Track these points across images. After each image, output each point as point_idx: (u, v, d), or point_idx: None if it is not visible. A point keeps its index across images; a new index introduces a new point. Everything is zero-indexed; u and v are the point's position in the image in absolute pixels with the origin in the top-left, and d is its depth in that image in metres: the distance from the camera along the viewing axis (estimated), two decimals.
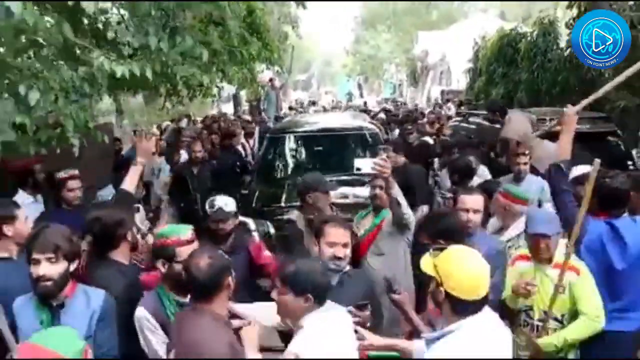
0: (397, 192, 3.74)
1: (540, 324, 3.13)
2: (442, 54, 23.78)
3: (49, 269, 2.51)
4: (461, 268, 2.09)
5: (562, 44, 10.51)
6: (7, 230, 3.23)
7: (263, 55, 8.90)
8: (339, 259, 3.03)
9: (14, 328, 2.63)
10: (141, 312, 2.63)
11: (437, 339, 2.15)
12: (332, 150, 6.58)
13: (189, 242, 2.71)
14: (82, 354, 2.08)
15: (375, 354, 2.87)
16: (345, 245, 3.07)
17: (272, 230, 5.14)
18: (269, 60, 9.76)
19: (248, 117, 13.79)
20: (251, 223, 4.67)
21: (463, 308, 2.09)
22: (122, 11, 3.84)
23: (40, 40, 3.27)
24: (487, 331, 2.11)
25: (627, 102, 7.27)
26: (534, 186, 4.73)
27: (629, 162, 5.90)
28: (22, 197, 4.50)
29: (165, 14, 3.88)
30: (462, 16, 27.29)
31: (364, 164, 3.54)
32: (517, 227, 4.04)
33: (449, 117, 10.77)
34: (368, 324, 2.83)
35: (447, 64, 23.58)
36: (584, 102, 3.61)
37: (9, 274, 3.02)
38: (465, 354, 2.02)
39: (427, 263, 2.25)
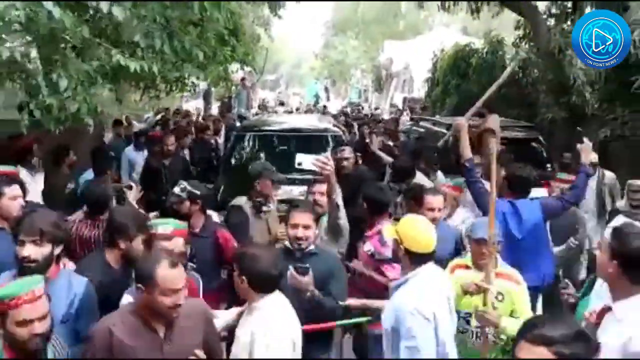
0: (338, 195, 3.78)
1: (479, 330, 3.30)
2: (406, 63, 24.86)
3: (34, 250, 2.62)
4: (415, 229, 2.90)
5: (508, 61, 11.71)
6: None
7: (239, 56, 9.70)
8: (299, 239, 3.29)
9: None
10: (127, 300, 2.77)
11: (402, 284, 2.89)
12: (296, 150, 6.56)
13: (169, 237, 3.00)
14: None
15: (343, 322, 3.34)
16: (306, 227, 3.31)
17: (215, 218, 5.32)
18: (243, 61, 10.49)
19: (214, 115, 14.48)
20: (215, 216, 4.73)
21: (418, 259, 2.85)
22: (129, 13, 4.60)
23: (68, 37, 4.05)
24: (436, 275, 2.95)
25: (554, 114, 8.41)
26: None
27: (547, 165, 7.01)
28: (22, 174, 5.11)
29: (166, 20, 4.70)
30: (426, 29, 28.49)
31: (305, 160, 3.69)
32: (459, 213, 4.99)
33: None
34: (310, 289, 3.12)
35: (410, 72, 24.67)
36: (470, 112, 4.38)
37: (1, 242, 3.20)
38: (424, 290, 2.80)
39: (389, 230, 3.09)
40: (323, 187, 3.94)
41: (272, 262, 2.76)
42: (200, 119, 13.06)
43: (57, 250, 2.73)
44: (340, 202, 3.77)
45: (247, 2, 9.66)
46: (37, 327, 2.22)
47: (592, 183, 5.63)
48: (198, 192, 4.16)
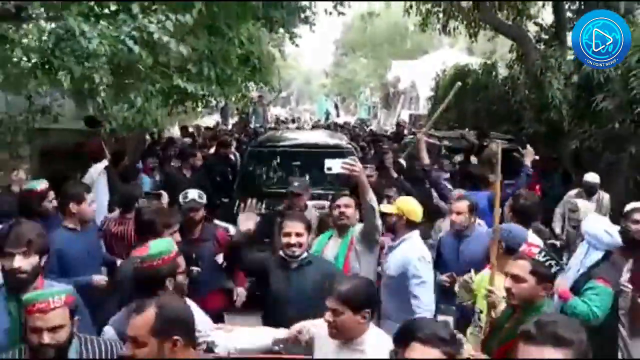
0: (372, 197, 3.65)
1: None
2: (412, 81, 26.14)
3: (23, 262, 2.60)
4: (413, 204, 3.91)
5: (501, 80, 12.93)
6: (73, 207, 3.89)
7: (260, 77, 10.95)
8: (293, 245, 3.35)
9: None
10: (110, 333, 2.64)
11: (400, 243, 3.82)
12: (309, 166, 6.71)
13: (179, 252, 2.86)
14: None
15: None
16: (298, 235, 3.35)
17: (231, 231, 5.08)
18: (265, 82, 11.75)
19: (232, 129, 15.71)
20: (232, 229, 4.68)
21: (413, 226, 3.84)
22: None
23: (140, 66, 5.34)
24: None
25: (535, 129, 9.59)
26: None
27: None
28: (96, 169, 6.35)
29: (210, 51, 5.99)
30: (432, 48, 29.83)
31: (335, 164, 3.47)
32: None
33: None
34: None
35: (416, 90, 25.90)
36: (428, 126, 5.76)
37: (73, 241, 3.71)
38: (422, 244, 3.84)
39: (388, 207, 3.99)
40: (347, 200, 3.92)
41: (368, 286, 2.59)
42: (220, 133, 14.32)
43: (43, 261, 2.73)
44: (375, 204, 3.69)
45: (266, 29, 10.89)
46: (45, 337, 2.21)
47: (592, 206, 6.03)
48: (202, 202, 4.36)
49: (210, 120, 21.16)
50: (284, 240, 3.38)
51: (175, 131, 16.05)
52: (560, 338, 1.67)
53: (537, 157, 6.04)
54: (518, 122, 10.47)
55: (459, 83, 6.13)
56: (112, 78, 5.29)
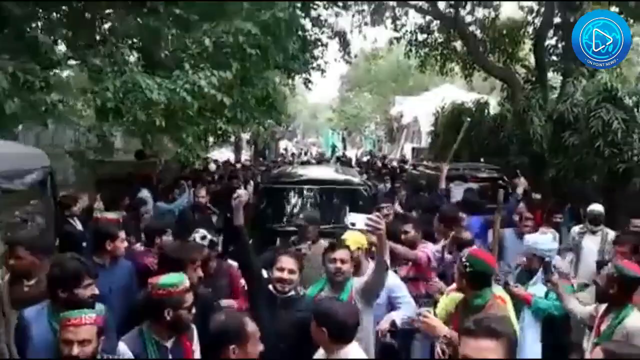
0: (387, 254, 3.59)
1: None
2: (414, 116, 27.53)
3: (95, 290, 2.94)
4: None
5: (492, 118, 14.29)
6: (108, 245, 3.99)
7: (274, 115, 12.40)
8: (284, 280, 3.35)
9: (24, 337, 2.86)
10: (122, 348, 2.82)
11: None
12: (322, 202, 6.77)
13: (188, 290, 2.88)
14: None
15: None
16: (290, 271, 3.36)
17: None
18: (276, 119, 13.22)
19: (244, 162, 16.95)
20: None
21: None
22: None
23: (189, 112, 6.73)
24: None
25: (520, 160, 10.89)
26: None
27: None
28: (144, 193, 7.67)
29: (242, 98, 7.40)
30: (433, 85, 31.37)
31: (359, 220, 3.34)
32: None
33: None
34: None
35: (418, 125, 27.19)
36: (448, 160, 7.00)
37: (100, 277, 3.36)
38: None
39: (355, 242, 3.96)
40: (343, 254, 3.67)
41: (349, 313, 2.88)
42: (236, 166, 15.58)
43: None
44: (388, 262, 3.63)
45: (283, 74, 12.37)
46: (75, 349, 2.49)
47: (594, 246, 5.94)
48: (216, 240, 4.37)
49: (219, 153, 22.46)
50: (277, 274, 3.39)
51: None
52: (493, 330, 1.96)
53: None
54: (506, 155, 11.77)
55: (468, 119, 7.23)
56: (166, 121, 6.68)
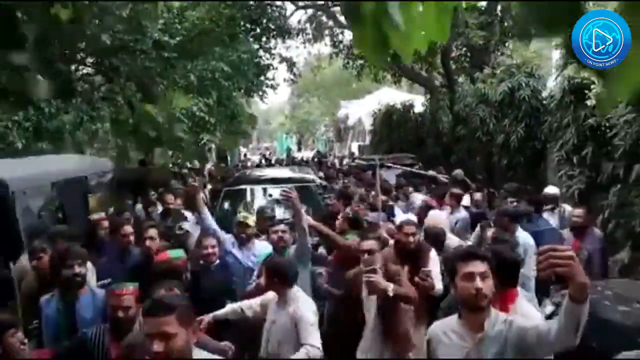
0: (304, 221, 4.25)
1: None
2: (359, 117, 30.25)
3: (81, 269, 3.52)
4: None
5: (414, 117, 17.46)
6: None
7: (242, 129, 15.17)
8: (210, 255, 4.44)
9: (40, 317, 3.50)
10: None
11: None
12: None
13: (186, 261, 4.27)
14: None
15: None
16: (212, 247, 4.45)
17: None
18: (242, 132, 15.92)
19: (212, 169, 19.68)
20: None
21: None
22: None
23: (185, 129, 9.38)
24: None
25: (433, 151, 14.01)
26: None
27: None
28: (190, 216, 7.11)
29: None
30: (375, 88, 34.27)
31: (275, 192, 3.67)
32: None
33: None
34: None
35: (362, 125, 29.76)
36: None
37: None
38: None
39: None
40: (283, 227, 4.61)
41: (289, 265, 3.62)
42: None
43: (84, 271, 3.59)
44: (306, 227, 4.26)
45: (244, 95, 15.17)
46: (120, 313, 3.05)
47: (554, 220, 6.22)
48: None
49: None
50: (202, 252, 4.46)
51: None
52: (479, 254, 2.34)
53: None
54: (425, 146, 14.93)
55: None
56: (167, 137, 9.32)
